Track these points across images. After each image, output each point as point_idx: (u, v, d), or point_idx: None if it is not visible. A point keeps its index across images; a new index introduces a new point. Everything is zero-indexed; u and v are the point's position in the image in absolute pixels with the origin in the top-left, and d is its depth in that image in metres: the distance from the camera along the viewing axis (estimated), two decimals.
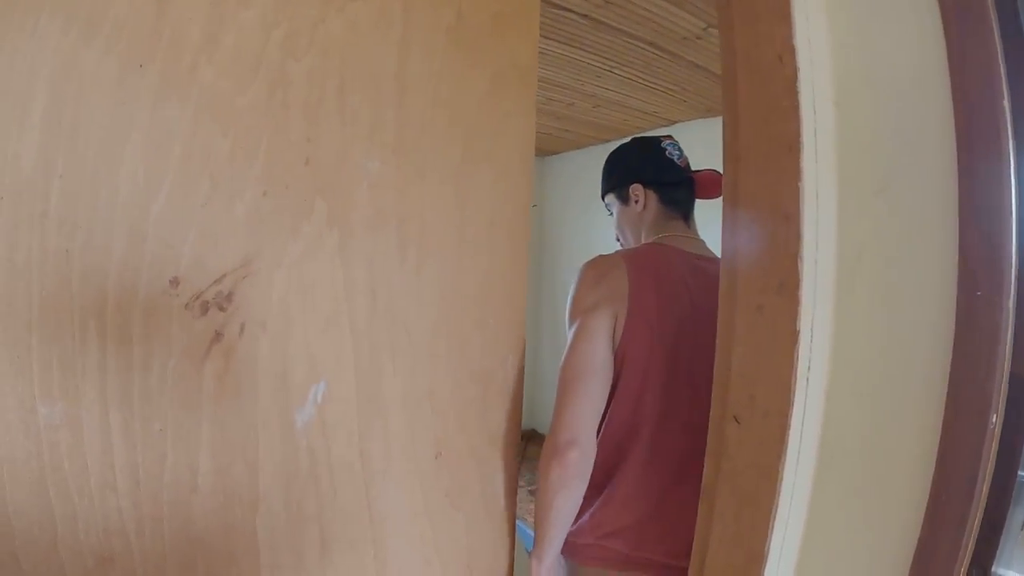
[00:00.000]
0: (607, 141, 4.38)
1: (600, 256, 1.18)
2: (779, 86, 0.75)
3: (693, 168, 1.37)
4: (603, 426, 1.14)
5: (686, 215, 1.32)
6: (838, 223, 0.77)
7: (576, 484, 1.07)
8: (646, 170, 1.32)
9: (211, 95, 0.52)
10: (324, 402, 0.63)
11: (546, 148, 4.63)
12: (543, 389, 4.97)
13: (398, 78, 0.65)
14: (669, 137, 1.37)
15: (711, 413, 0.80)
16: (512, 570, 1.10)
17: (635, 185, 1.32)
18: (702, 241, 1.30)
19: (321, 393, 0.63)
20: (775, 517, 0.71)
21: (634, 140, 1.39)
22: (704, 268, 1.20)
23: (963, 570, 0.73)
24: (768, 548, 0.72)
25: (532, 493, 3.81)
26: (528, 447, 4.78)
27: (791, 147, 0.73)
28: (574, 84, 3.10)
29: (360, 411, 0.67)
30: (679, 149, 1.36)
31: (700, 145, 3.56)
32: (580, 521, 1.17)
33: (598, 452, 1.11)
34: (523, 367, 0.98)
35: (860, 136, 0.77)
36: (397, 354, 0.69)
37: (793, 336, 0.70)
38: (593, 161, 4.43)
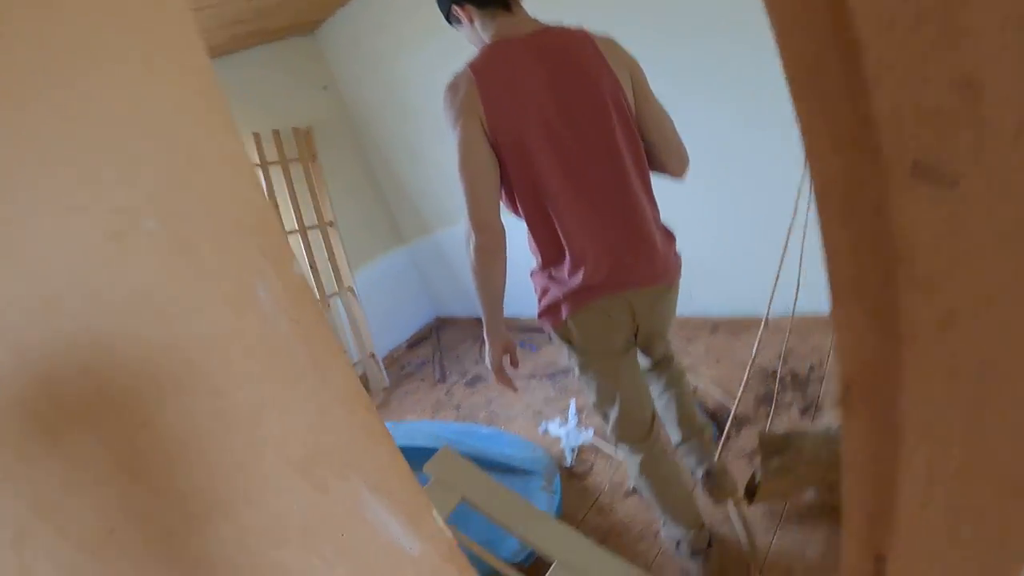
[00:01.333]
0: None
1: (453, 76, 1.30)
2: None
3: None
4: (523, 210, 1.34)
5: (505, 4, 1.36)
6: None
7: (496, 258, 1.30)
8: None
9: None
10: None
11: (309, 19, 3.68)
12: (440, 271, 4.43)
13: None
14: None
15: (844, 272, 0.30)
16: None
17: (453, 8, 1.39)
18: (533, 19, 1.37)
19: None
20: None
21: None
22: (543, 37, 1.32)
23: None
24: None
25: (469, 384, 3.43)
26: (442, 337, 4.36)
27: None
28: None
29: None
30: None
31: None
32: (551, 291, 1.41)
33: (538, 230, 1.35)
34: (302, 280, 0.30)
35: None
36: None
37: None
38: (368, 8, 3.60)
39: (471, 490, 1.51)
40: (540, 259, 1.41)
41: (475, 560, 1.53)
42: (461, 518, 1.63)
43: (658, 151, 1.38)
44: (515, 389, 1.55)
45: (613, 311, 1.40)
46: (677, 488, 1.60)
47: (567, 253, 1.34)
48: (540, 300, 1.46)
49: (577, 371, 1.52)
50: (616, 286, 1.37)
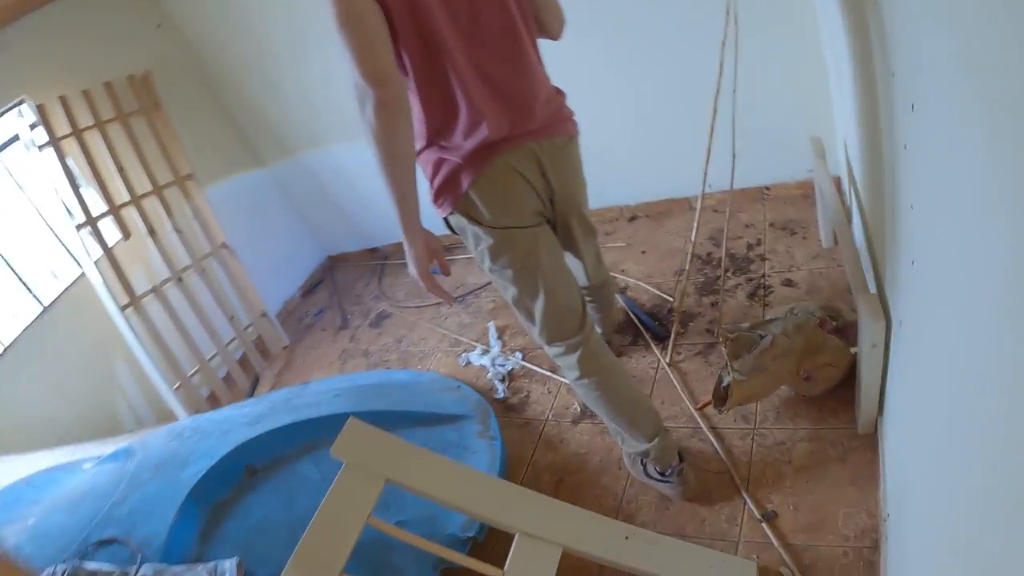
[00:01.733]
0: None
1: None
2: None
3: None
4: (412, 65, 1.18)
5: None
6: None
7: (401, 115, 1.12)
8: None
9: None
10: None
11: None
12: (321, 204, 3.90)
13: None
14: None
15: None
16: None
17: None
18: None
19: None
20: None
21: None
22: None
23: None
24: None
25: (374, 324, 3.06)
26: (336, 277, 3.93)
27: None
28: None
29: None
30: None
31: None
32: (446, 163, 1.27)
33: (428, 89, 1.20)
34: None
35: None
36: None
37: None
38: None
39: (394, 468, 1.19)
40: (426, 130, 1.25)
41: (415, 550, 1.24)
42: (394, 497, 1.32)
43: (537, 8, 1.27)
44: (452, 301, 1.39)
45: (520, 165, 1.28)
46: (625, 386, 1.42)
47: (463, 110, 1.21)
48: (433, 180, 1.29)
49: (488, 262, 1.33)
50: (519, 138, 1.26)
